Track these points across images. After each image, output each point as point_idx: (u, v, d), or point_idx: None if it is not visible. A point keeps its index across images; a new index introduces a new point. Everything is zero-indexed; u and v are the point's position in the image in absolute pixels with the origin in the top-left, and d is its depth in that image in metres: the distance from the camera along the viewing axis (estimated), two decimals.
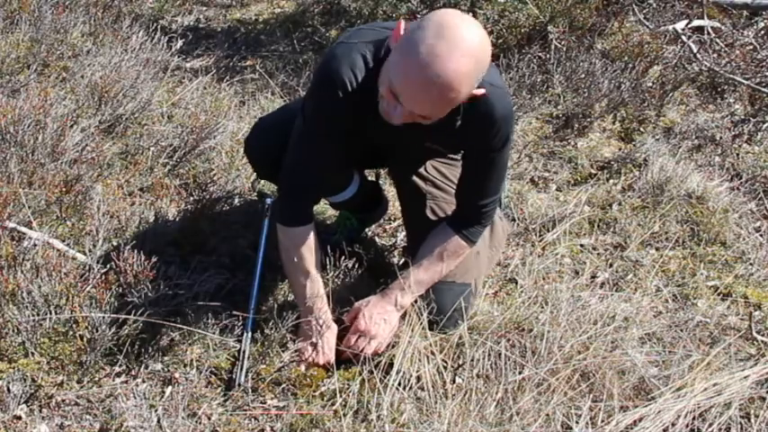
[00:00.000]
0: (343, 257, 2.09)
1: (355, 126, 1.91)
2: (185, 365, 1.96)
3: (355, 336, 2.00)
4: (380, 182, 2.62)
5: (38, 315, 1.94)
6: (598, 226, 2.64)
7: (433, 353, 1.97)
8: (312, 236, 2.05)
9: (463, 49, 1.58)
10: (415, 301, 2.03)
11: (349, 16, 4.15)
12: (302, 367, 1.97)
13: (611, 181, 2.92)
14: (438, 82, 1.59)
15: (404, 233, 2.54)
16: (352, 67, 1.81)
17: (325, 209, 2.66)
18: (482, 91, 1.74)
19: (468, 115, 1.82)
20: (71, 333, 1.95)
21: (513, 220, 2.64)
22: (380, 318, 2.00)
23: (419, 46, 1.59)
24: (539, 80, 3.41)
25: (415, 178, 2.22)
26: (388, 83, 1.68)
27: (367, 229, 2.57)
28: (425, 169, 2.22)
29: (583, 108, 3.25)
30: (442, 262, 2.05)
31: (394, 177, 2.40)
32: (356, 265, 2.12)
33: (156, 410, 1.83)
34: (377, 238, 2.58)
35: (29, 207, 2.35)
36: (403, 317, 2.03)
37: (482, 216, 2.08)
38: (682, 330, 2.15)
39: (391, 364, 1.91)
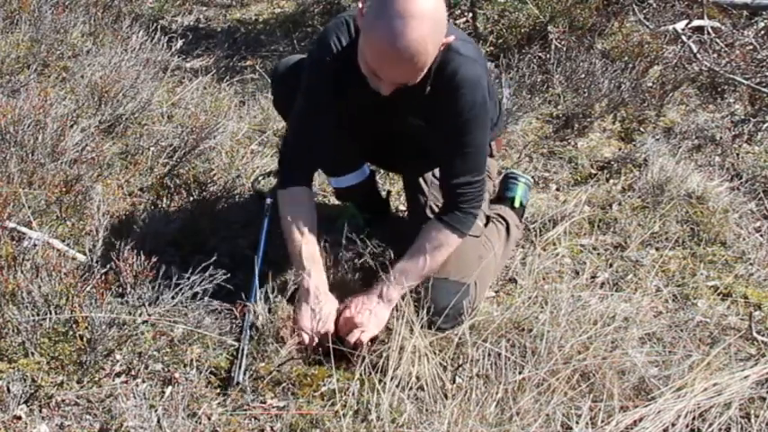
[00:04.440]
0: (340, 253, 2.10)
1: (340, 97, 2.03)
2: (185, 365, 1.96)
3: (344, 327, 2.01)
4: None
5: (38, 315, 1.94)
6: (598, 226, 2.64)
7: (432, 353, 1.97)
8: (309, 198, 2.15)
9: (416, 14, 1.73)
10: (406, 296, 2.02)
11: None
12: (303, 337, 1.97)
13: (611, 181, 2.92)
14: (405, 52, 1.76)
15: None
16: (338, 35, 2.02)
17: (326, 207, 2.66)
18: (451, 38, 1.88)
19: (436, 80, 1.95)
20: (71, 333, 1.95)
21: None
22: (365, 308, 2.01)
23: (378, 24, 1.77)
24: (539, 80, 3.41)
25: (420, 180, 2.29)
26: (364, 63, 1.86)
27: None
28: (433, 174, 2.27)
29: (583, 108, 3.25)
30: (425, 251, 2.06)
31: (403, 179, 2.48)
32: (355, 258, 2.12)
33: (156, 410, 1.83)
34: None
35: (29, 207, 2.35)
36: (397, 308, 2.02)
37: (458, 198, 2.07)
38: (682, 330, 2.15)
39: (391, 364, 1.91)
